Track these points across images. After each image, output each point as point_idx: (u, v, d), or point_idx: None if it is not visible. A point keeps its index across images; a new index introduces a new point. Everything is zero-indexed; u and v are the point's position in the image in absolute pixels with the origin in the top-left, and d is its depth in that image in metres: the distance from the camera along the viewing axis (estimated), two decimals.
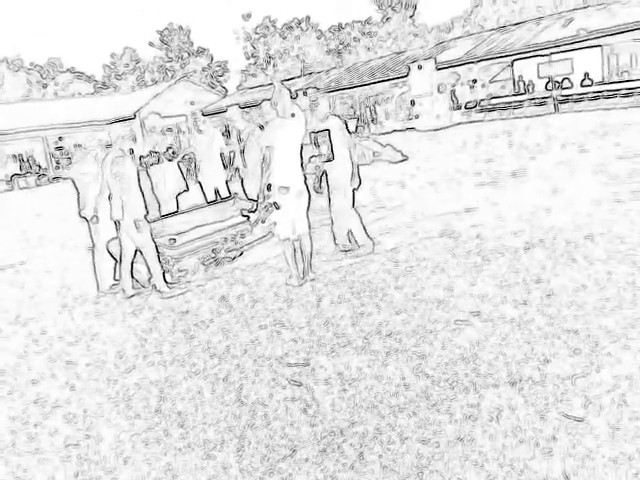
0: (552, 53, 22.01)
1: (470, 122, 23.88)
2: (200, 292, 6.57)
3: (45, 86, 50.46)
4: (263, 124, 8.02)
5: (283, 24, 49.07)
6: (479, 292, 5.15)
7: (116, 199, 6.44)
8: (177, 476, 3.23)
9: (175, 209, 9.15)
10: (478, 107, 24.03)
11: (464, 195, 9.50)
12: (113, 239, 6.89)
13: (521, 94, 22.73)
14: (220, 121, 32.95)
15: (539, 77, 22.54)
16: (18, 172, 31.45)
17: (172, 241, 7.19)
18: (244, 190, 9.49)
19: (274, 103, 6.03)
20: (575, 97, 20.84)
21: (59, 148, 33.08)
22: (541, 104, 21.87)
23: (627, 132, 13.14)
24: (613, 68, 20.86)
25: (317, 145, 6.86)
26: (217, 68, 51.47)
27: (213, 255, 7.47)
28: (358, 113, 28.66)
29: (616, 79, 20.39)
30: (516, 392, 3.49)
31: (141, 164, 9.00)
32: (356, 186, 6.87)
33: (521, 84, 23.09)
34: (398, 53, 31.97)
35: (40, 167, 32.24)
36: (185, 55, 50.99)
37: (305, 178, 6.19)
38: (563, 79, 21.57)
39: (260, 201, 6.00)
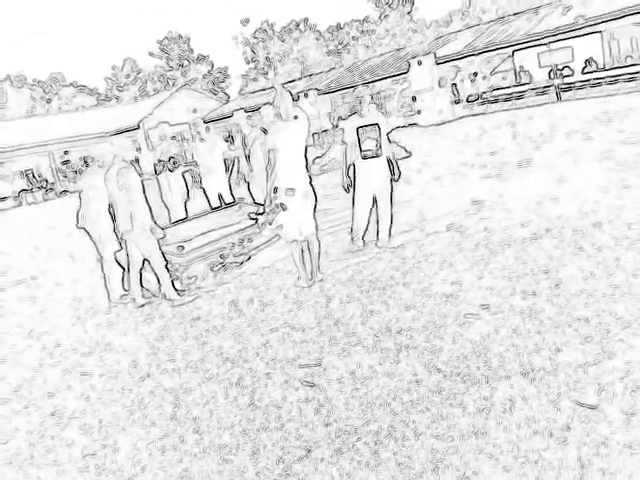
0: (552, 42, 21.90)
1: (473, 115, 23.81)
2: (210, 298, 6.60)
3: (49, 101, 50.84)
4: (265, 128, 8.05)
5: (281, 27, 49.15)
6: (488, 285, 5.15)
7: (123, 211, 6.48)
8: None
9: (184, 216, 9.22)
10: (480, 100, 23.95)
11: (470, 188, 9.48)
12: (119, 250, 6.94)
13: (523, 84, 22.63)
14: (224, 127, 33.07)
15: (540, 67, 22.44)
16: (26, 188, 31.69)
17: (180, 248, 7.23)
18: (251, 194, 9.54)
19: (276, 106, 6.06)
20: (577, 85, 20.72)
21: (65, 162, 33.30)
22: (543, 93, 21.76)
23: (631, 117, 13.06)
24: (614, 54, 20.74)
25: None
26: (218, 74, 51.63)
27: (221, 260, 7.51)
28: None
29: (617, 64, 20.26)
30: (528, 383, 3.48)
31: (156, 172, 9.06)
32: (397, 178, 6.90)
33: (522, 74, 23.01)
34: (397, 50, 31.93)
35: (47, 182, 32.48)
36: (186, 63, 51.19)
37: (311, 179, 6.21)
38: (563, 67, 21.46)
39: (267, 203, 6.04)
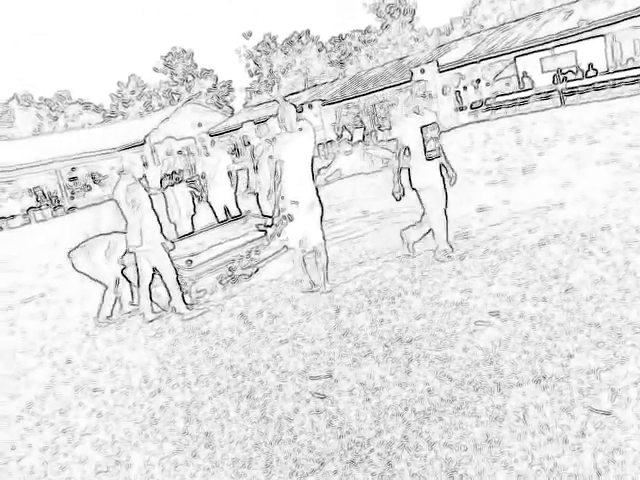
0: (555, 46, 21.94)
1: (477, 122, 23.82)
2: (219, 311, 6.61)
3: (55, 119, 51.30)
4: (271, 140, 8.10)
5: (284, 39, 49.47)
6: (497, 292, 5.13)
7: (133, 226, 6.50)
8: None
9: (191, 230, 9.25)
10: (484, 106, 23.97)
11: (476, 195, 9.47)
12: (124, 268, 6.97)
13: (526, 90, 22.64)
14: (229, 140, 33.23)
15: (542, 72, 22.46)
16: (34, 205, 31.93)
17: (189, 262, 7.25)
18: (259, 206, 9.57)
19: (281, 119, 6.11)
20: (581, 89, 20.71)
21: (73, 179, 33.55)
22: (547, 98, 21.76)
23: (635, 120, 13.03)
24: (617, 57, 20.73)
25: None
26: (222, 88, 51.97)
27: (230, 273, 7.52)
28: (365, 121, 28.72)
29: (620, 68, 20.25)
30: (541, 390, 3.46)
31: (162, 186, 9.12)
32: (453, 182, 6.42)
33: (525, 80, 23.04)
34: (400, 59, 32.03)
35: (57, 198, 32.70)
36: (190, 78, 51.57)
37: (317, 190, 6.23)
38: (567, 71, 21.48)
39: (275, 215, 6.11)
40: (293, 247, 6.32)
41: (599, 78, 20.22)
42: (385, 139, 26.53)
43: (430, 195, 6.35)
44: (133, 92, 52.31)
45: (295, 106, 6.24)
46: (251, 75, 50.90)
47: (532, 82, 22.57)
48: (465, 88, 24.97)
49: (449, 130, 23.94)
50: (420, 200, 6.44)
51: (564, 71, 21.60)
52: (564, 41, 21.57)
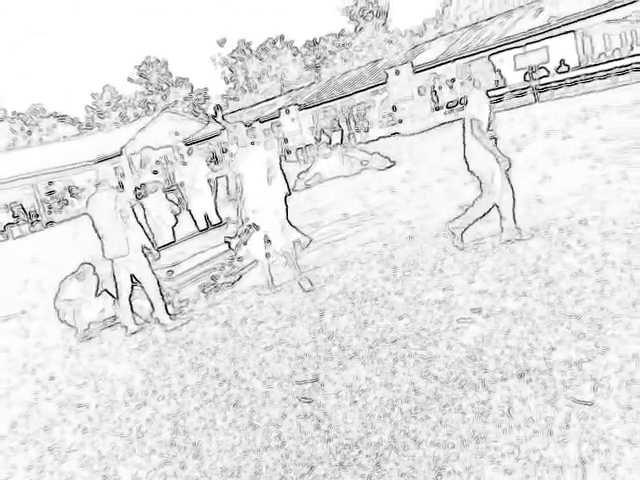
0: (527, 44, 22.21)
1: (454, 121, 24.01)
2: (203, 320, 6.58)
3: (30, 133, 50.67)
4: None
5: (258, 45, 49.44)
6: (479, 288, 5.17)
7: (117, 235, 6.42)
8: None
9: (172, 240, 9.19)
10: (459, 105, 24.17)
11: (456, 194, 9.54)
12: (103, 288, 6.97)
13: (500, 88, 22.88)
14: (207, 148, 33.11)
15: (516, 69, 22.72)
16: (11, 221, 31.47)
17: (170, 273, 7.20)
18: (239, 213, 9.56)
19: (234, 137, 6.67)
20: (553, 85, 20.99)
21: (50, 192, 33.16)
22: (521, 95, 22.02)
23: (607, 114, 13.23)
24: (588, 52, 21.04)
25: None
26: (198, 96, 51.77)
27: (212, 282, 7.49)
28: (343, 124, 28.80)
29: (591, 62, 20.56)
30: (525, 383, 3.49)
31: (136, 196, 9.07)
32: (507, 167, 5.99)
33: (499, 77, 23.29)
34: (375, 61, 32.22)
35: (35, 213, 32.27)
36: (165, 87, 51.30)
37: (286, 195, 6.60)
38: (539, 68, 21.75)
39: (239, 225, 6.47)
40: (255, 257, 6.81)
41: (571, 74, 20.51)
42: (364, 141, 26.64)
43: (497, 176, 6.02)
44: (108, 103, 51.89)
45: (245, 123, 6.89)
46: (227, 82, 50.78)
47: (504, 80, 22.81)
48: (440, 88, 25.17)
49: (425, 131, 24.11)
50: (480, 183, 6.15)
51: (534, 69, 21.86)
52: (535, 38, 21.87)
